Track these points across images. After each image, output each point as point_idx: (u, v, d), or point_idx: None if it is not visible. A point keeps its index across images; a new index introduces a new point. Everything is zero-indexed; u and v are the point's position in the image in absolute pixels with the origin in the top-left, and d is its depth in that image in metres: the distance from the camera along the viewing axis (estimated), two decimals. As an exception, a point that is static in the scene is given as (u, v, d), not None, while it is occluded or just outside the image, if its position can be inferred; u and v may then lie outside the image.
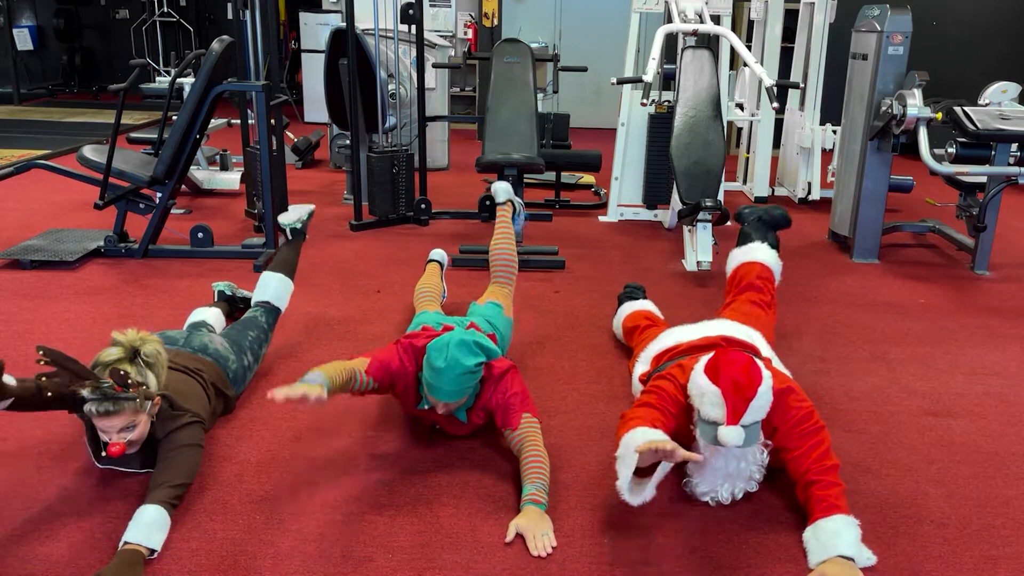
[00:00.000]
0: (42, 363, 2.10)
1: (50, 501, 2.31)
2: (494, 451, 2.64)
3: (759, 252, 3.22)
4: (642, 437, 2.16)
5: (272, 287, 3.17)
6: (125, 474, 2.43)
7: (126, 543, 2.06)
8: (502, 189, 3.72)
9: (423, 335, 2.60)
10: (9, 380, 2.10)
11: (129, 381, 2.17)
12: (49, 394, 2.18)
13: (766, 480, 2.37)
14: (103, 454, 2.28)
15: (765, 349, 2.72)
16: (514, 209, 3.65)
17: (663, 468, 2.19)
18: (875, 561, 2.13)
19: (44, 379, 2.18)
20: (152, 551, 2.07)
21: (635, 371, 2.85)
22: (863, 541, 2.15)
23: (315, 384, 2.24)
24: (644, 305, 3.44)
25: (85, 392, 2.17)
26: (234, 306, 3.57)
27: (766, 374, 2.23)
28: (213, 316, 3.22)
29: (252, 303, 3.17)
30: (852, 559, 2.08)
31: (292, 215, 3.54)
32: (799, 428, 2.30)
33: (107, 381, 2.16)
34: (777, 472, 2.44)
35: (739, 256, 3.26)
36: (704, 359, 2.31)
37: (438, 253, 3.79)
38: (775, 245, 3.30)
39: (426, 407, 2.56)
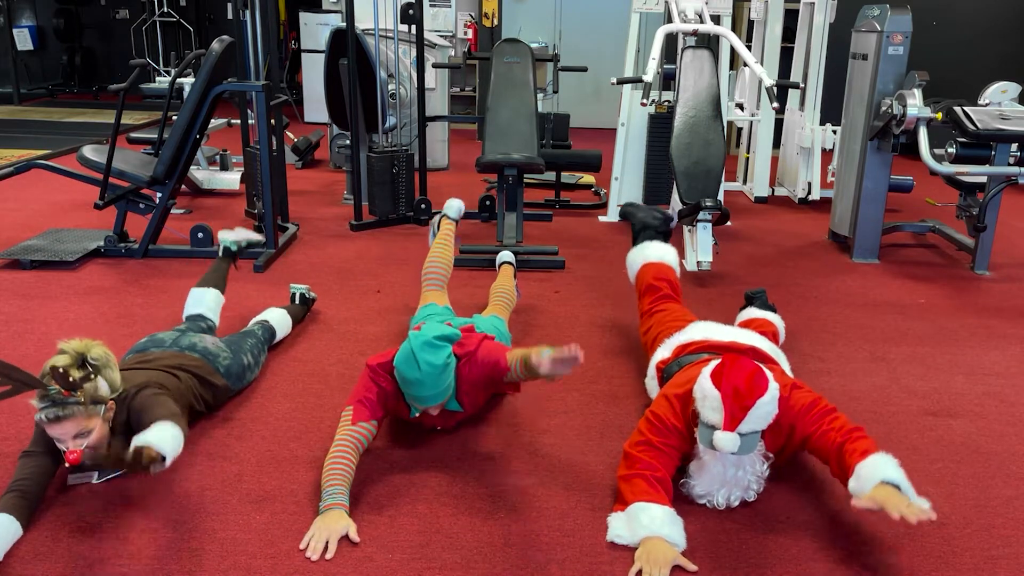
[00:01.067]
0: None
1: (50, 501, 2.31)
2: (494, 451, 2.64)
3: (767, 315, 3.25)
4: (648, 536, 2.15)
5: (207, 302, 3.18)
6: (125, 474, 2.43)
7: (135, 446, 2.03)
8: (454, 207, 3.70)
9: (388, 352, 2.56)
10: None
11: (71, 379, 2.18)
12: (40, 469, 2.22)
13: (767, 480, 2.37)
14: (61, 462, 2.29)
15: (786, 368, 2.73)
16: (514, 268, 3.68)
17: None
18: (923, 501, 2.05)
19: (23, 456, 2.21)
20: (162, 456, 2.04)
21: (655, 356, 2.82)
22: (863, 542, 2.15)
23: (344, 511, 2.24)
24: (671, 258, 3.31)
25: (34, 401, 2.18)
26: (306, 307, 3.67)
27: (773, 386, 2.23)
28: (278, 316, 3.34)
29: (184, 316, 3.16)
30: (897, 486, 2.05)
31: (233, 235, 3.57)
32: (812, 412, 2.31)
33: (54, 387, 2.16)
34: (781, 472, 2.44)
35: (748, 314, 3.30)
36: (714, 363, 2.31)
37: (454, 208, 3.68)
38: (774, 310, 3.33)
39: (417, 414, 2.56)
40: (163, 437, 2.10)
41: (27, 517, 2.16)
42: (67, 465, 2.26)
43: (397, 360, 2.43)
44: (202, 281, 3.27)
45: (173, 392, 2.49)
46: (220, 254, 3.48)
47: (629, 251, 3.40)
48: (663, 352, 2.79)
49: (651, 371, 2.82)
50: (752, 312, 3.27)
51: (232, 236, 3.55)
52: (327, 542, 2.13)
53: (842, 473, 2.19)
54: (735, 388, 2.18)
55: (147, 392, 2.37)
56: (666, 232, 3.47)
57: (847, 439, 2.21)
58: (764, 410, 2.20)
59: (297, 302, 3.62)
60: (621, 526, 2.22)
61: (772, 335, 3.08)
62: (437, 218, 3.65)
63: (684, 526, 2.20)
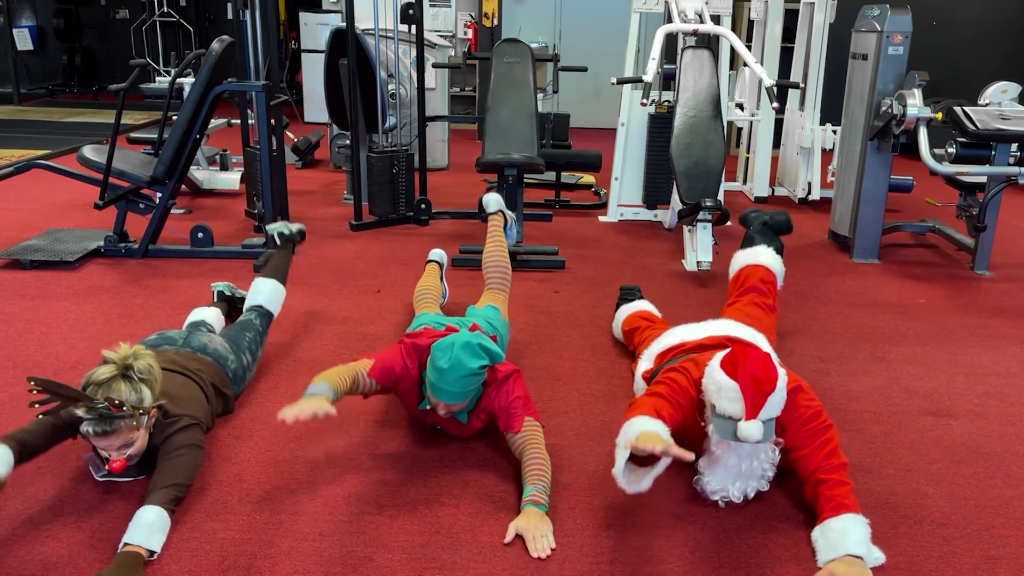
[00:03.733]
0: (34, 392, 2.10)
1: (50, 501, 2.31)
2: (494, 451, 2.64)
3: (763, 256, 3.24)
4: (639, 428, 2.17)
5: (264, 292, 3.18)
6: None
7: (126, 544, 2.06)
8: (493, 200, 3.72)
9: (426, 335, 2.60)
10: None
11: (124, 408, 2.18)
12: (49, 430, 2.24)
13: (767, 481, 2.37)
14: (104, 469, 2.31)
15: (767, 350, 2.72)
16: (505, 221, 3.65)
17: (664, 461, 2.19)
18: (883, 560, 2.13)
19: (42, 416, 2.20)
20: (152, 552, 2.07)
21: (638, 369, 2.85)
22: (863, 541, 2.15)
23: (320, 397, 2.24)
24: (642, 306, 3.45)
25: (80, 412, 2.17)
26: (233, 306, 3.56)
27: (781, 372, 2.24)
28: (212, 316, 3.22)
29: (245, 308, 3.17)
30: (861, 557, 2.08)
31: (280, 224, 3.58)
32: (808, 427, 2.31)
33: (100, 401, 2.15)
34: (781, 472, 2.44)
35: (743, 258, 3.28)
36: (720, 355, 2.30)
37: (437, 254, 3.78)
38: (779, 250, 3.32)
39: (427, 407, 2.56)
40: (154, 530, 2.10)
41: (17, 454, 2.15)
42: (104, 470, 2.31)
43: (438, 343, 2.46)
44: (267, 272, 3.27)
45: (204, 420, 2.49)
46: (278, 244, 3.51)
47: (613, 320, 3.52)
48: (644, 364, 2.81)
49: (638, 383, 2.83)
50: (745, 257, 3.27)
51: (279, 225, 3.57)
52: (305, 409, 2.16)
53: (812, 506, 2.27)
54: (754, 376, 2.16)
55: (189, 436, 2.34)
56: (636, 299, 3.58)
57: (828, 479, 2.23)
58: (780, 395, 2.21)
59: (217, 300, 3.55)
60: (619, 453, 2.22)
61: (770, 282, 3.12)
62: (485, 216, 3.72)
63: (684, 527, 2.20)
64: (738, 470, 2.28)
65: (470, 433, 2.67)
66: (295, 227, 3.62)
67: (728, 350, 2.30)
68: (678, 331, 2.83)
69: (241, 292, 3.61)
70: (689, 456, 2.11)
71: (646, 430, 2.15)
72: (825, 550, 2.12)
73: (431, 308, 3.18)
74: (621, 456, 2.17)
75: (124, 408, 2.18)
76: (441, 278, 3.61)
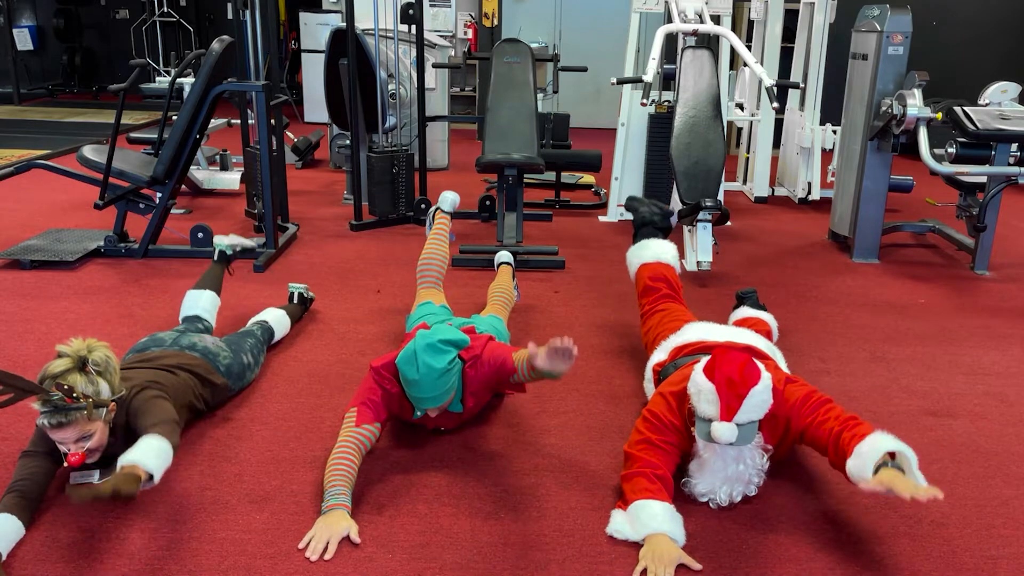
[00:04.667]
0: None
1: (50, 501, 2.30)
2: (494, 451, 2.64)
3: (759, 315, 3.28)
4: (651, 528, 2.17)
5: (203, 304, 3.18)
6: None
7: (122, 467, 2.02)
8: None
9: (389, 355, 2.57)
10: None
11: (75, 394, 2.17)
12: (40, 475, 2.23)
13: (765, 480, 2.37)
14: (61, 463, 2.29)
15: (783, 365, 2.73)
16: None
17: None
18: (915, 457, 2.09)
19: (23, 456, 2.22)
20: (151, 476, 2.05)
21: (652, 359, 2.84)
22: (863, 541, 2.15)
23: (347, 512, 2.23)
24: (669, 256, 3.28)
25: (35, 405, 2.17)
26: (305, 308, 3.69)
27: (765, 375, 2.24)
28: (273, 316, 3.34)
29: (180, 318, 3.16)
30: (897, 455, 2.06)
31: (228, 240, 3.57)
32: (808, 403, 2.32)
33: (56, 393, 2.15)
34: (781, 472, 2.44)
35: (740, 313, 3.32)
36: (706, 359, 2.32)
37: (448, 199, 3.61)
38: (764, 309, 3.36)
39: (420, 414, 2.56)
40: (149, 454, 2.08)
41: (28, 517, 2.16)
42: (67, 466, 2.26)
43: (399, 358, 2.44)
44: (198, 284, 3.28)
45: (172, 390, 2.49)
46: (215, 258, 3.48)
47: (630, 248, 3.40)
48: (659, 355, 2.80)
49: (648, 374, 2.83)
50: (745, 312, 3.28)
51: (227, 240, 3.55)
52: (327, 543, 2.13)
53: (840, 459, 2.18)
54: (728, 378, 2.19)
55: (145, 394, 2.37)
56: (666, 228, 3.47)
57: (844, 427, 2.21)
58: (759, 399, 2.21)
59: (295, 301, 3.62)
60: (622, 521, 2.22)
61: (766, 334, 3.09)
62: (432, 211, 3.64)
63: (684, 526, 2.20)
64: (724, 474, 2.29)
65: (472, 414, 2.69)
66: (240, 247, 3.61)
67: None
68: (699, 328, 2.81)
69: (311, 294, 3.73)
70: (697, 567, 2.12)
71: (661, 533, 2.16)
72: (862, 468, 2.08)
73: (434, 295, 3.17)
74: (631, 535, 2.20)
75: (79, 400, 2.17)
76: (448, 237, 3.48)
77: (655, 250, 3.30)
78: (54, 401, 2.16)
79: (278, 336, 3.33)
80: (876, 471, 2.04)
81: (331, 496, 2.25)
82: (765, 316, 3.24)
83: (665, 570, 2.06)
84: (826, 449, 2.25)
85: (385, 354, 2.59)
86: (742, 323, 3.16)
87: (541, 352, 2.23)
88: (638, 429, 2.39)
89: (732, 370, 2.20)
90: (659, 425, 2.36)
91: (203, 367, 2.72)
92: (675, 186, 4.55)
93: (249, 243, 3.74)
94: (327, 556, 2.10)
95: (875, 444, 2.09)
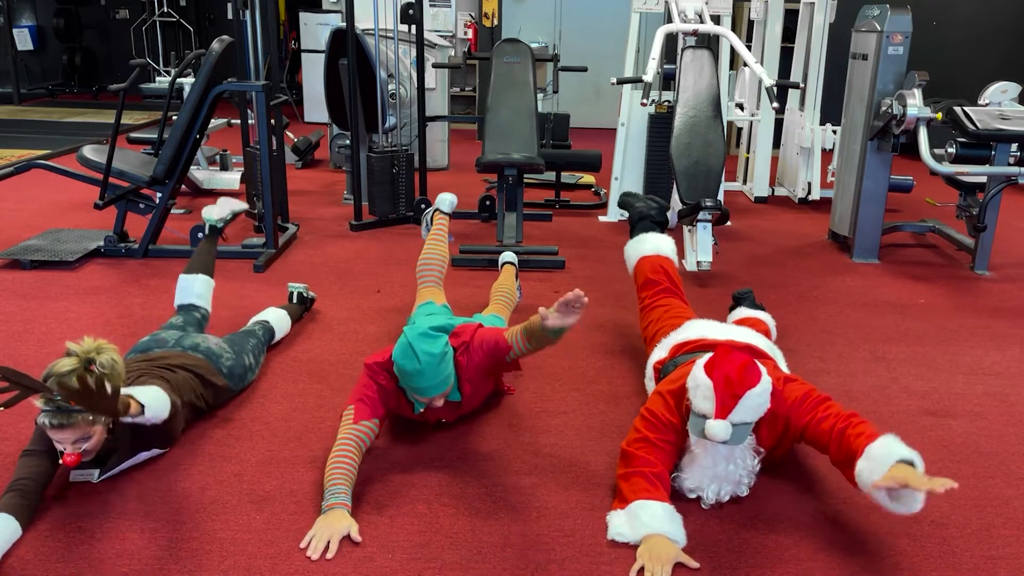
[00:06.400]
0: None
1: (49, 501, 2.31)
2: (494, 451, 2.64)
3: (757, 314, 3.29)
4: (651, 529, 2.17)
5: (196, 290, 3.14)
6: (125, 473, 2.43)
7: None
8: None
9: (383, 351, 2.57)
10: None
11: (78, 392, 2.14)
12: (43, 476, 2.24)
13: (765, 480, 2.37)
14: (59, 462, 2.28)
15: (782, 365, 2.73)
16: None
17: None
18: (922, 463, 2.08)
19: (23, 455, 2.22)
20: (142, 407, 2.05)
21: (652, 356, 2.84)
22: (863, 541, 2.15)
23: (347, 511, 2.23)
24: (668, 249, 3.27)
25: (38, 403, 2.17)
26: (305, 308, 3.68)
27: (765, 379, 2.23)
28: (275, 316, 3.32)
29: (175, 305, 3.13)
30: (911, 463, 2.05)
31: (218, 210, 3.47)
32: (806, 402, 2.32)
33: (60, 393, 2.13)
34: (780, 472, 2.44)
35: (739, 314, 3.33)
36: (707, 356, 2.32)
37: (447, 200, 3.60)
38: (762, 309, 3.37)
39: (422, 409, 2.56)
40: (148, 394, 2.10)
41: (27, 517, 2.16)
42: (63, 465, 2.26)
43: (395, 354, 2.44)
44: (189, 267, 3.20)
45: (173, 386, 2.50)
46: (206, 232, 3.40)
47: (627, 243, 3.40)
48: (660, 352, 2.79)
49: (648, 371, 2.83)
50: (742, 312, 3.28)
51: (216, 213, 3.45)
52: (328, 542, 2.13)
53: (846, 457, 2.18)
54: (726, 377, 2.19)
55: (143, 381, 2.38)
56: (663, 222, 3.46)
57: (847, 424, 2.21)
58: (755, 401, 2.21)
59: (295, 301, 3.62)
60: (622, 524, 2.22)
61: (765, 333, 3.09)
62: (429, 213, 3.64)
63: (684, 525, 2.20)
64: (713, 471, 2.29)
65: (478, 401, 2.72)
66: (229, 213, 3.49)
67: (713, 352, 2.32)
68: (700, 325, 2.81)
69: (312, 294, 3.72)
70: (695, 565, 2.12)
71: (660, 533, 2.16)
72: (874, 470, 2.08)
73: (435, 295, 3.17)
74: (629, 534, 2.20)
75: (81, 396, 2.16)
76: (447, 237, 3.49)
77: (654, 243, 3.29)
78: (57, 401, 2.16)
79: (279, 336, 3.33)
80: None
81: (331, 495, 2.26)
82: (763, 316, 3.25)
83: (663, 569, 2.06)
84: (828, 447, 2.24)
85: (378, 351, 2.60)
86: (741, 323, 3.16)
87: (551, 311, 2.25)
88: (636, 427, 2.40)
89: (732, 369, 2.21)
90: (657, 423, 2.36)
91: (205, 368, 2.72)
92: (675, 186, 4.55)
93: (241, 206, 3.58)
94: (328, 555, 2.10)
95: (889, 449, 2.08)
